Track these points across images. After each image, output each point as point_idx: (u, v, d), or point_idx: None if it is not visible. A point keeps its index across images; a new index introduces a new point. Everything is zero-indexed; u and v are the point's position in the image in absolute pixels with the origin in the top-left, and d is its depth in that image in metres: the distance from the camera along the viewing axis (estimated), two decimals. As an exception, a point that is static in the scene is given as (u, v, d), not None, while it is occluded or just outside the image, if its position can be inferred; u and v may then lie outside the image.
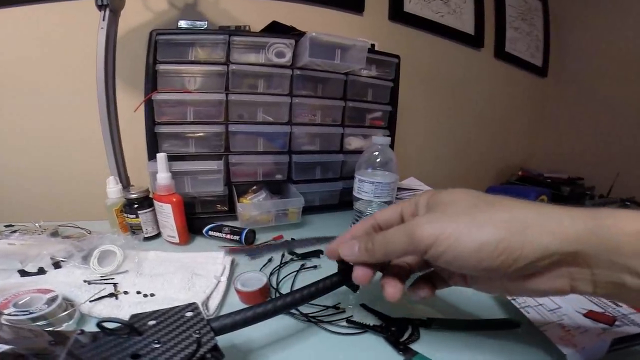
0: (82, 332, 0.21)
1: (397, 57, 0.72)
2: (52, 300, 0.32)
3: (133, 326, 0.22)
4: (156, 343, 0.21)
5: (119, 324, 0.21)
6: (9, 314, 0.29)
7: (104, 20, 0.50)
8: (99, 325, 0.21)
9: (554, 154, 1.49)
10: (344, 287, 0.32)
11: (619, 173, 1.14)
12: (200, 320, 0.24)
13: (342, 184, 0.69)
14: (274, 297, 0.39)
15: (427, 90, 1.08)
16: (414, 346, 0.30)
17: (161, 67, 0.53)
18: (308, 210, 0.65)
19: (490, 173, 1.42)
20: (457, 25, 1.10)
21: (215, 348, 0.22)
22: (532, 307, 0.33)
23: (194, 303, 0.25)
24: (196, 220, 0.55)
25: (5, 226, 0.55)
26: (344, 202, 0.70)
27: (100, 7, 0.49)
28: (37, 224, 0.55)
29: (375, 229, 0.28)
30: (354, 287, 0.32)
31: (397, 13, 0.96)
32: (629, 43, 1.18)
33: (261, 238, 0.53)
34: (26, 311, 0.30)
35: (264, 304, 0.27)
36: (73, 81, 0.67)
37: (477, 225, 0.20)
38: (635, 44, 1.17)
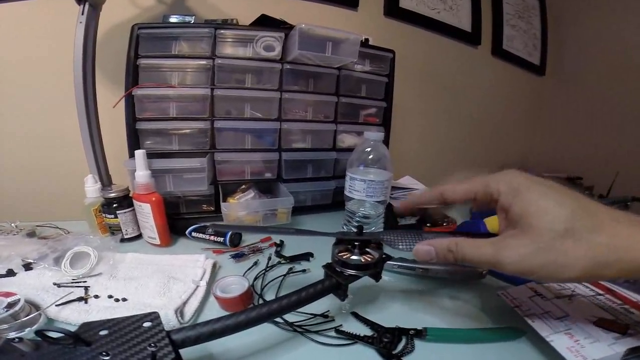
0: (21, 340, 0.19)
1: (392, 51, 0.70)
2: (13, 304, 0.30)
3: (79, 336, 0.19)
4: (104, 355, 0.19)
5: (60, 331, 0.19)
6: None
7: (82, 14, 0.48)
8: (38, 333, 0.19)
9: (552, 153, 1.47)
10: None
11: (619, 172, 1.12)
12: (158, 331, 0.21)
13: (334, 183, 0.66)
14: (256, 303, 0.36)
15: (422, 87, 1.06)
16: (408, 359, 0.28)
17: (143, 62, 0.51)
18: (299, 210, 0.62)
19: (487, 172, 1.39)
20: (453, 22, 1.08)
21: (173, 364, 0.20)
22: (537, 315, 0.30)
23: (154, 312, 0.23)
24: (180, 220, 0.52)
25: None
26: (337, 202, 0.68)
27: (79, 1, 0.47)
28: (13, 224, 0.53)
29: (440, 201, 0.28)
30: (342, 296, 0.29)
31: (393, 9, 0.94)
32: (627, 41, 1.17)
33: (248, 240, 0.51)
34: None
35: (237, 315, 0.24)
36: (51, 77, 0.64)
37: (568, 266, 0.20)
38: (634, 42, 1.15)
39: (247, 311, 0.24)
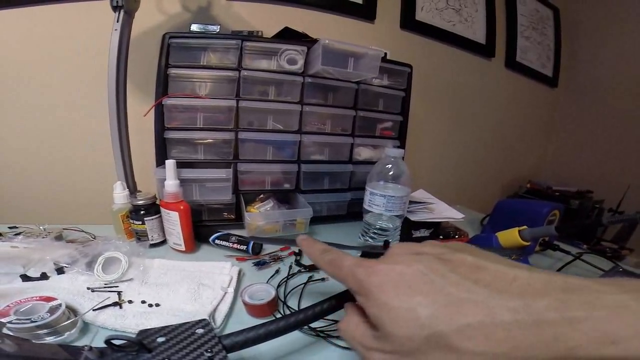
0: (91, 348, 0.20)
1: (410, 66, 0.71)
2: (55, 308, 0.31)
3: (142, 343, 0.21)
4: None
5: (126, 341, 0.21)
6: (9, 322, 0.29)
7: (117, 21, 0.49)
8: (107, 342, 0.20)
9: (564, 166, 1.47)
10: None
11: (630, 186, 1.12)
12: (211, 338, 0.23)
13: (350, 195, 0.68)
14: (281, 310, 0.38)
15: (436, 99, 1.07)
16: None
17: (173, 71, 0.53)
18: (315, 220, 0.63)
19: (498, 185, 1.40)
20: (468, 34, 1.09)
21: (227, 368, 0.21)
22: None
23: (204, 319, 0.25)
24: (203, 228, 0.54)
25: (9, 227, 0.55)
26: (352, 213, 0.69)
27: (115, 8, 0.48)
28: (41, 227, 0.54)
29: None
30: None
31: (409, 21, 0.95)
32: (641, 54, 1.17)
33: (268, 249, 0.52)
34: (27, 319, 0.29)
35: (277, 321, 0.26)
36: (82, 83, 0.66)
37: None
38: None
39: (285, 318, 0.26)
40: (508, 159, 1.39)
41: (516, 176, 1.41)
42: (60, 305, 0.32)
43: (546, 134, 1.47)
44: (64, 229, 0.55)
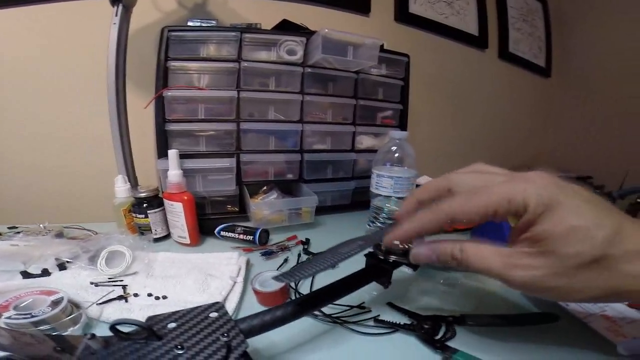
0: (93, 336, 0.18)
1: (407, 55, 0.72)
2: (57, 302, 0.30)
3: (152, 329, 0.19)
4: (179, 349, 0.19)
5: (135, 327, 0.19)
6: (8, 317, 0.27)
7: (116, 15, 0.49)
8: (112, 328, 0.19)
9: (562, 153, 1.48)
10: (368, 285, 0.30)
11: (629, 171, 1.13)
12: (227, 321, 0.21)
13: (354, 184, 0.67)
14: (293, 298, 0.36)
15: (433, 90, 1.08)
16: (451, 344, 0.28)
17: (172, 64, 0.53)
18: (320, 210, 0.62)
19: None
20: (461, 26, 1.10)
21: (246, 354, 0.20)
22: None
23: (218, 302, 0.23)
24: (206, 221, 0.53)
25: (9, 228, 0.54)
26: (356, 202, 0.68)
27: (114, 2, 0.48)
28: (41, 225, 0.53)
29: (448, 226, 0.23)
30: (386, 282, 0.30)
31: (403, 14, 0.96)
32: (633, 40, 1.19)
33: (274, 239, 0.51)
34: (28, 314, 0.27)
35: (293, 302, 0.24)
36: (79, 79, 0.65)
37: (583, 292, 0.18)
38: (637, 39, 1.17)
39: (300, 299, 0.25)
40: (508, 148, 1.40)
41: (515, 164, 1.42)
42: (62, 298, 0.30)
43: (543, 122, 1.49)
44: (64, 227, 0.54)
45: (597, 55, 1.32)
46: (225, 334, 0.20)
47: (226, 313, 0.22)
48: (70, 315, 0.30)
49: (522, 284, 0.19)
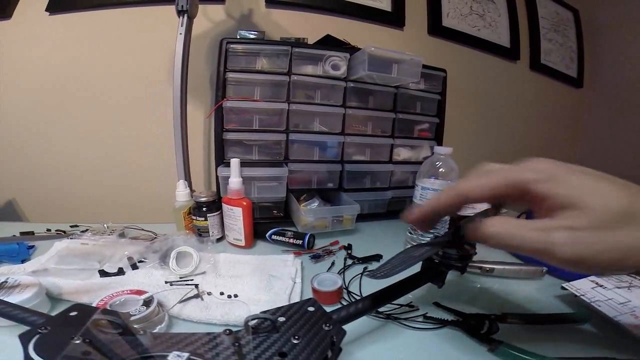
0: (231, 332, 0.21)
1: (444, 70, 0.74)
2: (148, 302, 0.31)
3: (275, 323, 0.22)
4: (295, 339, 0.22)
5: (263, 319, 0.22)
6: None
7: (182, 26, 0.50)
8: (246, 325, 0.22)
9: (592, 166, 1.45)
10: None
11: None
12: (323, 313, 0.25)
13: (390, 194, 0.69)
14: (345, 297, 0.39)
15: (466, 103, 1.08)
16: (495, 337, 0.31)
17: (230, 75, 0.56)
18: (357, 218, 0.65)
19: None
20: (493, 38, 1.11)
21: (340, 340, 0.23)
22: (602, 301, 0.33)
23: (311, 298, 0.27)
24: (255, 225, 0.57)
25: (71, 226, 0.57)
26: (391, 211, 0.71)
27: (180, 12, 0.50)
28: (105, 225, 0.57)
29: (462, 205, 0.24)
30: (440, 282, 0.33)
31: (436, 27, 0.98)
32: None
33: (318, 244, 0.55)
34: (126, 313, 0.29)
35: (370, 297, 0.28)
36: (141, 87, 0.70)
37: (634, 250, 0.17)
38: None
39: (374, 295, 0.28)
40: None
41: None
42: (152, 298, 0.32)
43: (573, 135, 1.46)
44: (124, 227, 0.58)
45: (631, 66, 1.29)
46: (327, 324, 0.23)
47: (321, 307, 0.26)
48: (159, 313, 0.31)
49: (566, 250, 0.18)
